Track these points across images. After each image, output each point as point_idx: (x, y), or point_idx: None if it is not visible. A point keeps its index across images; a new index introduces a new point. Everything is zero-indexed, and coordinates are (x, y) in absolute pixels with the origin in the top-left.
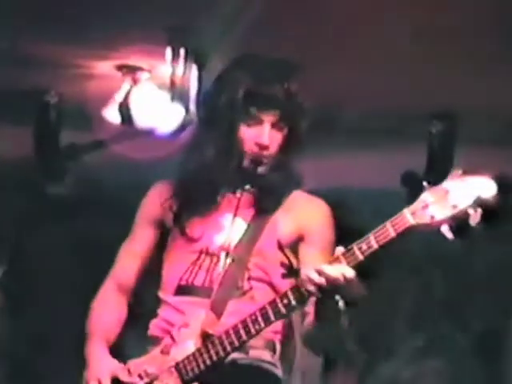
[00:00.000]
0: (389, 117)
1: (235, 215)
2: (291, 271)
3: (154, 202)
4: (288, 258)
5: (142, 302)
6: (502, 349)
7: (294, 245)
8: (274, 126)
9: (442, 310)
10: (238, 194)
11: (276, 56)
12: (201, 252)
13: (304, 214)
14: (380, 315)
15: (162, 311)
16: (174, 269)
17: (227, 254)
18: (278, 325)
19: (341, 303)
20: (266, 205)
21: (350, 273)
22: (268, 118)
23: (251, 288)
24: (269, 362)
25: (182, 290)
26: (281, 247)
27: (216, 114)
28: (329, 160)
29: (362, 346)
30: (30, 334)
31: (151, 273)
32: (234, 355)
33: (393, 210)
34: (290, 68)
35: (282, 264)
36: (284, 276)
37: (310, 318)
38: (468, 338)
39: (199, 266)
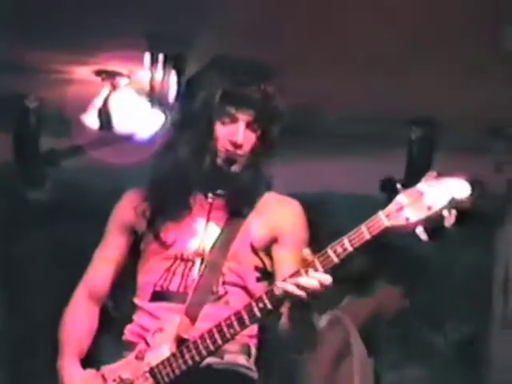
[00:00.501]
0: (369, 123)
1: (208, 220)
2: (265, 274)
3: (126, 208)
4: (262, 261)
5: (118, 307)
6: (481, 355)
7: (268, 247)
8: (248, 126)
9: (420, 317)
10: (210, 199)
11: (253, 58)
12: (175, 258)
13: (276, 215)
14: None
15: (138, 317)
16: (148, 275)
17: (202, 260)
18: (253, 329)
19: (314, 307)
20: (238, 208)
21: (327, 279)
22: (243, 117)
23: (226, 293)
24: (244, 366)
25: (158, 296)
26: (254, 250)
27: (191, 114)
28: (308, 165)
29: None
30: (13, 337)
31: (126, 279)
32: (210, 360)
33: (372, 215)
34: (266, 70)
35: (256, 268)
36: (258, 280)
37: (284, 319)
38: (447, 345)
39: (173, 272)
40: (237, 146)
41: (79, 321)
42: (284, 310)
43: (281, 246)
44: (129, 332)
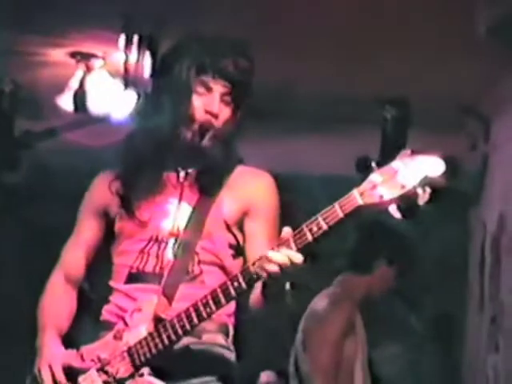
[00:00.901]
0: (342, 102)
1: (180, 200)
2: (240, 251)
3: (98, 191)
4: (236, 237)
5: (95, 289)
6: (456, 333)
7: (241, 222)
8: (222, 97)
9: (396, 294)
10: (182, 179)
11: (228, 35)
12: (150, 240)
13: (247, 188)
14: None
15: (114, 298)
16: (123, 257)
17: (175, 240)
18: (230, 307)
19: (287, 285)
20: (208, 186)
21: (298, 258)
22: (218, 88)
23: (201, 272)
24: (222, 346)
25: (133, 278)
26: (228, 227)
27: (168, 88)
28: (282, 145)
29: None
30: None
31: (100, 261)
32: (187, 340)
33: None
34: (241, 46)
35: (230, 245)
36: (234, 257)
37: (256, 293)
38: (423, 322)
39: (148, 253)
40: (213, 114)
41: (57, 302)
42: (256, 286)
43: (252, 218)
44: (106, 312)
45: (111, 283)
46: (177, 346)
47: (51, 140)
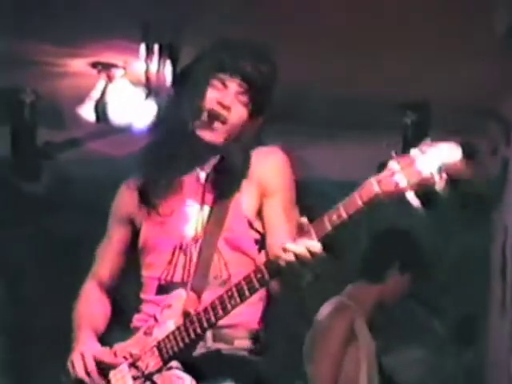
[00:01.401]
0: (363, 107)
1: (202, 203)
2: (264, 244)
3: (123, 199)
4: (258, 232)
5: (126, 299)
6: (479, 335)
7: (260, 209)
8: (237, 94)
9: (418, 299)
10: (202, 180)
11: (251, 40)
12: (175, 249)
13: (259, 172)
14: None
15: (145, 307)
16: (151, 270)
17: (199, 244)
18: (258, 311)
19: (309, 276)
20: (226, 187)
21: (317, 247)
22: (233, 86)
23: (229, 277)
24: (252, 351)
25: (163, 289)
26: (251, 224)
27: (186, 88)
28: (302, 152)
29: None
30: (10, 327)
31: (130, 272)
32: (219, 345)
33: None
34: (262, 51)
35: (256, 241)
36: (259, 251)
37: (275, 283)
38: (446, 326)
39: (175, 264)
40: (223, 106)
41: (92, 306)
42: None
43: (268, 197)
44: (136, 320)
45: (142, 295)
46: (209, 350)
47: (72, 150)
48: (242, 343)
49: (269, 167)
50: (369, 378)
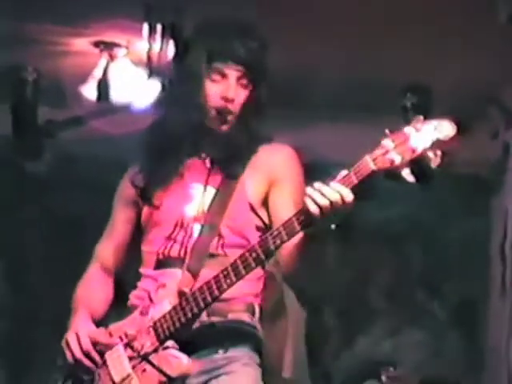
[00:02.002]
0: (363, 90)
1: (206, 184)
2: (267, 231)
3: (126, 183)
4: (262, 219)
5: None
6: (479, 319)
7: (266, 199)
8: (238, 81)
9: (418, 282)
10: (208, 163)
11: (235, 18)
12: (175, 226)
13: (269, 163)
14: (357, 289)
15: (141, 283)
16: (151, 245)
17: (200, 224)
18: (257, 288)
19: (333, 226)
20: (232, 168)
21: (350, 196)
22: (232, 72)
23: (225, 254)
24: (248, 324)
25: (161, 264)
26: (254, 210)
27: (181, 77)
28: (302, 134)
29: (339, 320)
30: (12, 308)
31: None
32: (213, 319)
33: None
34: (249, 28)
35: (258, 228)
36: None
37: (288, 251)
38: (445, 309)
39: (174, 240)
40: (228, 100)
41: (92, 289)
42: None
43: (277, 189)
44: (133, 297)
45: (141, 270)
46: (203, 323)
47: (74, 129)
48: (237, 316)
49: (279, 159)
50: (294, 346)
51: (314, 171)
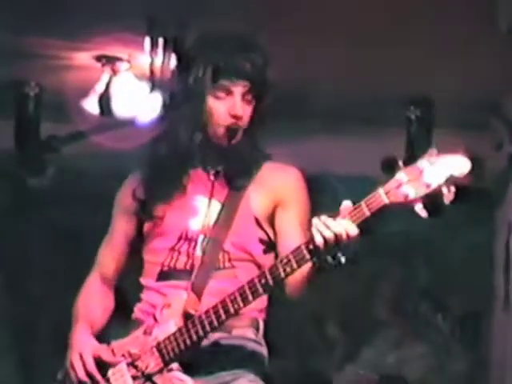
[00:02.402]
0: (366, 103)
1: (211, 197)
2: (271, 246)
3: (127, 192)
4: (266, 232)
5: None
6: (482, 332)
7: (271, 216)
8: (243, 97)
9: (422, 294)
10: (212, 176)
11: (239, 33)
12: (179, 238)
13: (276, 182)
14: (361, 301)
15: (145, 295)
16: (154, 255)
17: (205, 237)
18: (262, 303)
19: (342, 259)
20: (237, 181)
21: (354, 230)
22: (237, 89)
23: (233, 267)
24: (253, 340)
25: (164, 275)
26: (258, 223)
27: (184, 92)
28: (305, 147)
29: (343, 333)
30: (13, 321)
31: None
32: (217, 335)
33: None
34: (252, 42)
35: (261, 240)
36: (265, 252)
37: (296, 281)
38: (449, 322)
39: (179, 251)
40: (237, 117)
41: (92, 300)
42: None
43: (282, 211)
44: (138, 310)
45: (142, 280)
46: (206, 341)
47: (77, 143)
48: (241, 332)
49: (287, 180)
50: None
51: (313, 184)
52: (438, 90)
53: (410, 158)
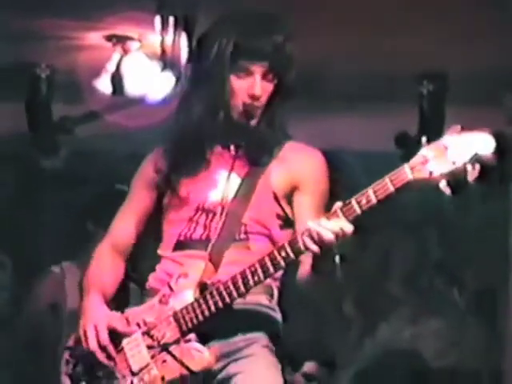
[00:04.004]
0: (379, 79)
1: (230, 171)
2: (288, 222)
3: (149, 166)
4: (283, 209)
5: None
6: (498, 306)
7: (289, 195)
8: (264, 77)
9: (437, 269)
10: (233, 151)
11: (262, 11)
12: (197, 209)
13: (297, 163)
14: (376, 277)
15: (162, 264)
16: (172, 227)
17: (223, 210)
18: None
19: (337, 258)
20: (258, 158)
21: (349, 228)
22: (258, 69)
23: (248, 238)
24: (267, 306)
25: (181, 245)
26: (276, 199)
27: (204, 70)
28: (320, 123)
29: (358, 309)
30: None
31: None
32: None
33: (387, 172)
34: (276, 20)
35: (278, 216)
36: (281, 227)
37: (305, 268)
38: (464, 296)
39: (196, 222)
40: (255, 98)
41: (103, 269)
42: (307, 258)
43: (302, 192)
44: (153, 279)
45: (159, 251)
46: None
47: (90, 124)
48: (255, 298)
49: (307, 164)
50: None
51: (328, 159)
52: (450, 66)
53: (423, 133)
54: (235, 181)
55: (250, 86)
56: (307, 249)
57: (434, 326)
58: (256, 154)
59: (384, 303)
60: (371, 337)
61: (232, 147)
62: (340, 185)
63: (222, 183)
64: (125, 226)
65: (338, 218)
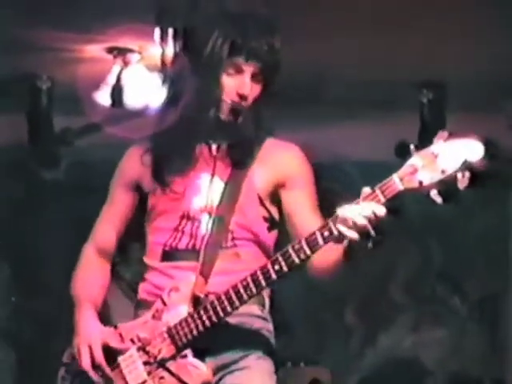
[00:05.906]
0: (378, 87)
1: (213, 175)
2: (273, 224)
3: (129, 164)
4: (268, 210)
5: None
6: (500, 314)
7: (274, 195)
8: (252, 77)
9: (439, 277)
10: (214, 152)
11: (262, 13)
12: (182, 217)
13: (279, 161)
14: (377, 285)
15: (150, 276)
16: (157, 235)
17: (209, 216)
18: None
19: (370, 243)
20: (240, 159)
21: (381, 210)
22: (249, 69)
23: (235, 245)
24: (259, 316)
25: (168, 256)
26: (261, 201)
27: (197, 65)
28: (319, 132)
29: (360, 317)
30: (31, 314)
31: (134, 238)
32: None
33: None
34: (274, 24)
35: (265, 218)
36: (269, 229)
37: (328, 257)
38: (466, 304)
39: (182, 231)
40: (243, 97)
41: (91, 276)
42: (338, 251)
43: (290, 189)
44: (143, 291)
45: (145, 259)
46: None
47: (90, 136)
48: (247, 308)
49: (290, 159)
50: None
51: (327, 169)
52: (450, 73)
53: (423, 142)
54: (218, 185)
55: (240, 86)
56: (342, 238)
57: (435, 334)
58: (238, 154)
59: (386, 311)
60: (373, 345)
61: (214, 146)
62: (337, 194)
63: (205, 188)
64: (107, 229)
65: (367, 203)
